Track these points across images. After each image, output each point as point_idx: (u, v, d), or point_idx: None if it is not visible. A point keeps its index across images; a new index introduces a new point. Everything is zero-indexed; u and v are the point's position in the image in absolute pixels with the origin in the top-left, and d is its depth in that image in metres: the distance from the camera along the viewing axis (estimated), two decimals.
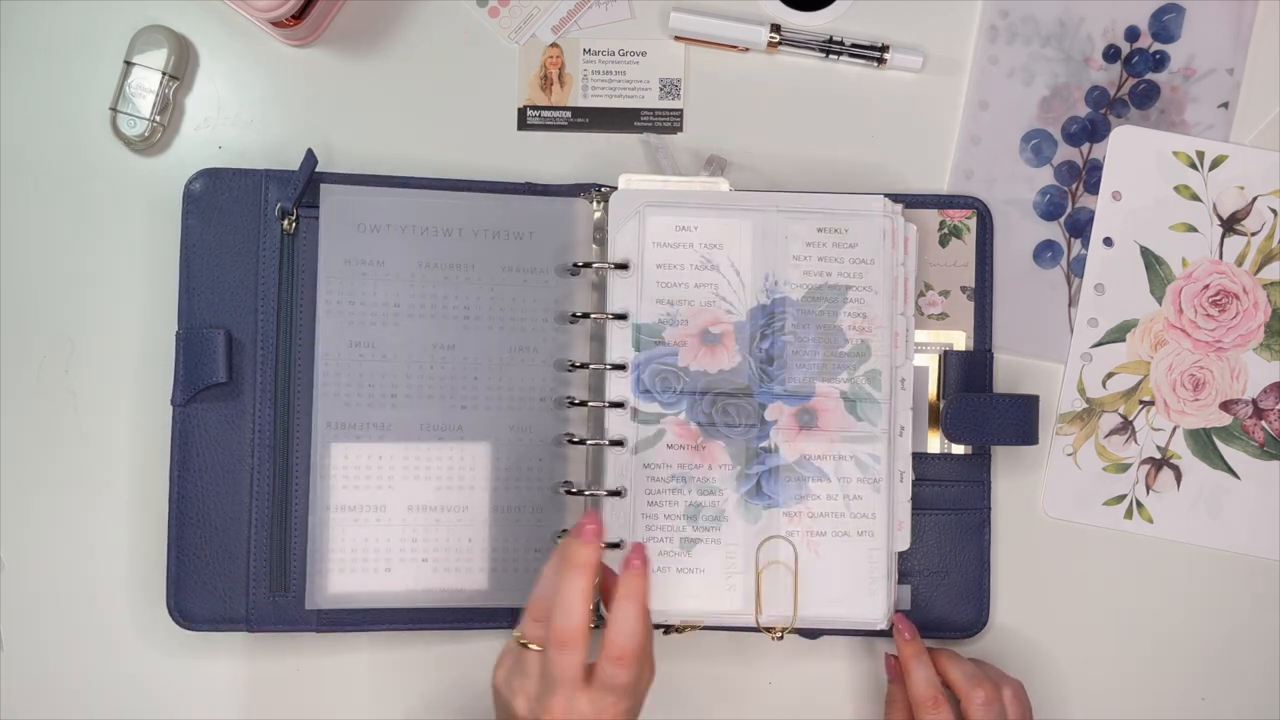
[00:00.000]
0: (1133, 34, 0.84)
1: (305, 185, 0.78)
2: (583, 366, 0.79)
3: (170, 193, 0.81)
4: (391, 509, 0.77)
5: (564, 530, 0.79)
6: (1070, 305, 0.84)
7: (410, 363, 0.78)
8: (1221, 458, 0.83)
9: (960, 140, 0.84)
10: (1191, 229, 0.83)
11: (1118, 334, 0.83)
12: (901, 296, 0.78)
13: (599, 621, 0.68)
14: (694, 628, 0.78)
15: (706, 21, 0.83)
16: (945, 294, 0.82)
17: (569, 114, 0.84)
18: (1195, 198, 0.83)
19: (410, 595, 0.78)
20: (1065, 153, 0.84)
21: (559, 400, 0.79)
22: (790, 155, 0.84)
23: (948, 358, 0.81)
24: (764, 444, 0.78)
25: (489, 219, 0.79)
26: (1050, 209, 0.84)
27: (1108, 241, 0.84)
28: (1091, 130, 0.84)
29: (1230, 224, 0.83)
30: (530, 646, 0.67)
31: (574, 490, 0.78)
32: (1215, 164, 0.83)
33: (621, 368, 0.78)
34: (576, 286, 0.80)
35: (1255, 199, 0.83)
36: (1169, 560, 0.83)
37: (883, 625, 0.77)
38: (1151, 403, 0.83)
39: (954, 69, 0.84)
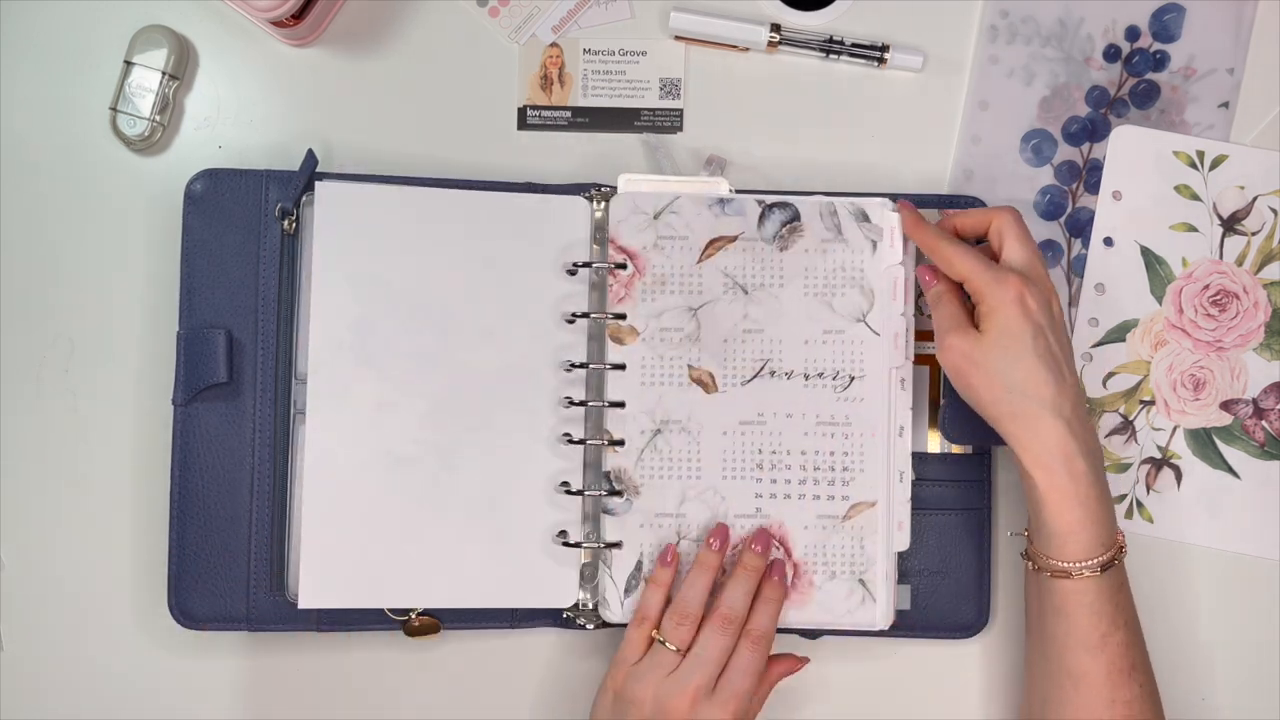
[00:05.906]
0: (1133, 34, 0.84)
1: (305, 185, 0.78)
2: (582, 366, 0.79)
3: (170, 193, 0.81)
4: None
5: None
6: (1070, 305, 0.83)
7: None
8: (1222, 458, 0.83)
9: (960, 140, 0.84)
10: (1191, 229, 0.83)
11: (1118, 334, 0.83)
12: (901, 296, 0.78)
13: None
14: None
15: (706, 21, 0.83)
16: None
17: (569, 114, 0.84)
18: (1195, 197, 0.83)
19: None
20: (1065, 152, 0.84)
21: (559, 400, 0.79)
22: (790, 155, 0.84)
23: None
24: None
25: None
26: (1050, 209, 0.84)
27: (1108, 241, 0.83)
28: (1091, 130, 0.84)
29: (1230, 224, 0.83)
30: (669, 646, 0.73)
31: (573, 490, 0.78)
32: (1215, 164, 0.83)
33: (621, 368, 0.78)
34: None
35: (1255, 199, 0.83)
36: (1169, 560, 0.83)
37: (882, 626, 0.77)
38: (1152, 402, 0.83)
39: (954, 69, 0.84)
